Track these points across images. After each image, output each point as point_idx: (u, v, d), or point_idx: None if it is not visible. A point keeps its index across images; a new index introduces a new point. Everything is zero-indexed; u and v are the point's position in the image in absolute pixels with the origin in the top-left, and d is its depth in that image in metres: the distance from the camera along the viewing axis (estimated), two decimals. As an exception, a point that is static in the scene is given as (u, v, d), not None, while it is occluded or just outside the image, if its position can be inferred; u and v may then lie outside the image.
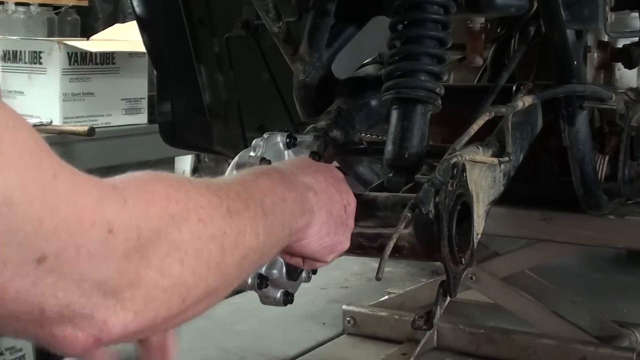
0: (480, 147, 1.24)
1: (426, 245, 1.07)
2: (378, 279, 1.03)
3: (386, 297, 2.34)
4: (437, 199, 1.05)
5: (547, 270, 2.41)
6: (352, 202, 1.07)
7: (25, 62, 2.98)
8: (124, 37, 3.18)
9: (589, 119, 1.53)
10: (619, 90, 1.68)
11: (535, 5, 1.47)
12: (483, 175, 1.22)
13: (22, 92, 3.04)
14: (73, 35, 4.09)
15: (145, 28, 2.13)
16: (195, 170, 4.98)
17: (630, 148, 1.63)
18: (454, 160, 1.10)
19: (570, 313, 2.07)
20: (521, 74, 1.60)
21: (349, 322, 2.16)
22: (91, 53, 2.90)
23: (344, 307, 2.20)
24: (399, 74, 1.30)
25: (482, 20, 1.67)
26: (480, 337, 2.00)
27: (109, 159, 3.53)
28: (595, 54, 1.66)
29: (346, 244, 1.06)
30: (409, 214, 1.04)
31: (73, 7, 4.27)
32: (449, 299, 1.11)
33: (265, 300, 1.15)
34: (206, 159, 5.05)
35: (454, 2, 1.32)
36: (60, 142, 3.27)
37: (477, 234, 1.17)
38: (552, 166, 1.67)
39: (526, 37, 1.56)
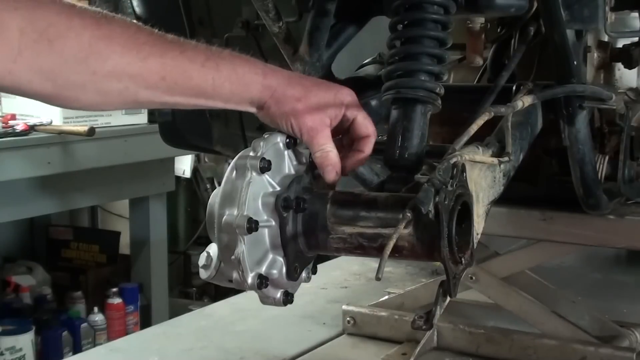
0: (480, 147, 1.24)
1: (426, 245, 1.07)
2: (378, 279, 1.03)
3: (386, 297, 2.33)
4: (437, 199, 1.05)
5: (547, 270, 2.40)
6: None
7: (26, 62, 2.97)
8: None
9: (589, 119, 1.53)
10: (619, 90, 1.68)
11: (535, 5, 1.47)
12: (483, 175, 1.22)
13: (22, 92, 3.03)
14: (73, 35, 4.08)
15: (145, 28, 2.12)
16: (195, 171, 4.99)
17: (630, 148, 1.63)
18: (454, 160, 1.10)
19: (570, 313, 2.07)
20: (521, 74, 1.60)
21: (349, 322, 2.16)
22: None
23: (344, 307, 2.19)
24: (398, 73, 1.30)
25: (482, 20, 1.67)
26: (480, 337, 2.00)
27: (109, 159, 3.54)
28: (595, 54, 1.66)
29: None
30: (409, 214, 1.04)
31: (73, 7, 4.27)
32: (448, 299, 1.10)
33: (265, 300, 1.15)
34: (206, 159, 5.05)
35: (454, 2, 1.32)
36: (61, 142, 3.28)
37: (477, 234, 1.17)
38: (552, 166, 1.67)
39: (526, 37, 1.56)
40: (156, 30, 1.11)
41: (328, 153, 1.17)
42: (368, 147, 1.22)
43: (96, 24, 1.04)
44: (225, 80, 1.12)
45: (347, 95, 1.20)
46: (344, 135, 1.22)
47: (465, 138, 1.18)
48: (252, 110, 1.18)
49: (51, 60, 1.01)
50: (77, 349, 3.72)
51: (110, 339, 3.72)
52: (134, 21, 1.11)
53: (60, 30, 1.00)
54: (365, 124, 1.21)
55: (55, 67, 1.01)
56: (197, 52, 1.12)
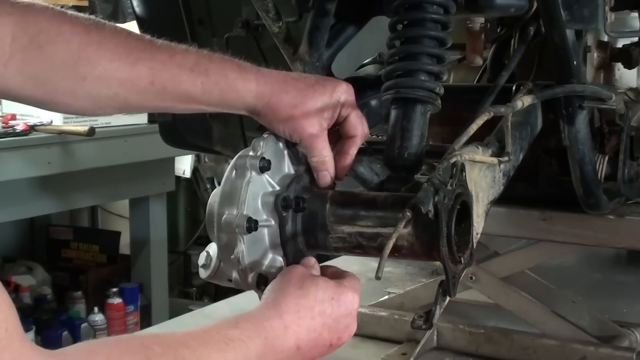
0: (479, 146, 1.24)
1: (425, 244, 1.07)
2: (377, 278, 1.03)
3: (386, 297, 2.33)
4: (436, 198, 1.05)
5: (547, 270, 2.41)
6: (346, 333, 1.07)
7: (26, 62, 2.96)
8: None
9: (589, 119, 1.53)
10: (619, 90, 1.68)
11: (535, 5, 1.47)
12: (482, 175, 1.22)
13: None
14: (73, 35, 4.08)
15: (145, 28, 2.13)
16: (195, 171, 4.99)
17: (630, 148, 1.63)
18: (454, 159, 1.10)
19: (570, 313, 2.07)
20: (521, 74, 1.60)
21: (349, 322, 2.16)
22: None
23: (344, 307, 2.19)
24: (398, 73, 1.30)
25: (482, 20, 1.67)
26: (480, 337, 2.00)
27: (109, 159, 3.54)
28: (595, 54, 1.66)
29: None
30: (408, 214, 1.04)
31: (73, 7, 4.27)
32: (448, 298, 1.10)
33: (265, 299, 1.15)
34: (206, 159, 5.05)
35: (453, 2, 1.32)
36: (60, 142, 3.28)
37: (477, 234, 1.17)
38: (552, 166, 1.67)
39: (526, 37, 1.56)
40: (147, 37, 1.11)
41: (324, 158, 1.16)
42: (353, 149, 1.20)
43: (86, 30, 1.04)
44: (214, 85, 1.11)
45: (344, 92, 1.18)
46: (334, 133, 1.21)
47: (464, 138, 1.18)
48: (247, 114, 1.18)
49: (41, 65, 1.02)
50: (77, 349, 3.72)
51: (110, 339, 3.71)
52: (125, 28, 1.10)
53: (50, 36, 1.01)
54: (355, 124, 1.19)
55: (45, 72, 1.02)
56: (186, 56, 1.11)
